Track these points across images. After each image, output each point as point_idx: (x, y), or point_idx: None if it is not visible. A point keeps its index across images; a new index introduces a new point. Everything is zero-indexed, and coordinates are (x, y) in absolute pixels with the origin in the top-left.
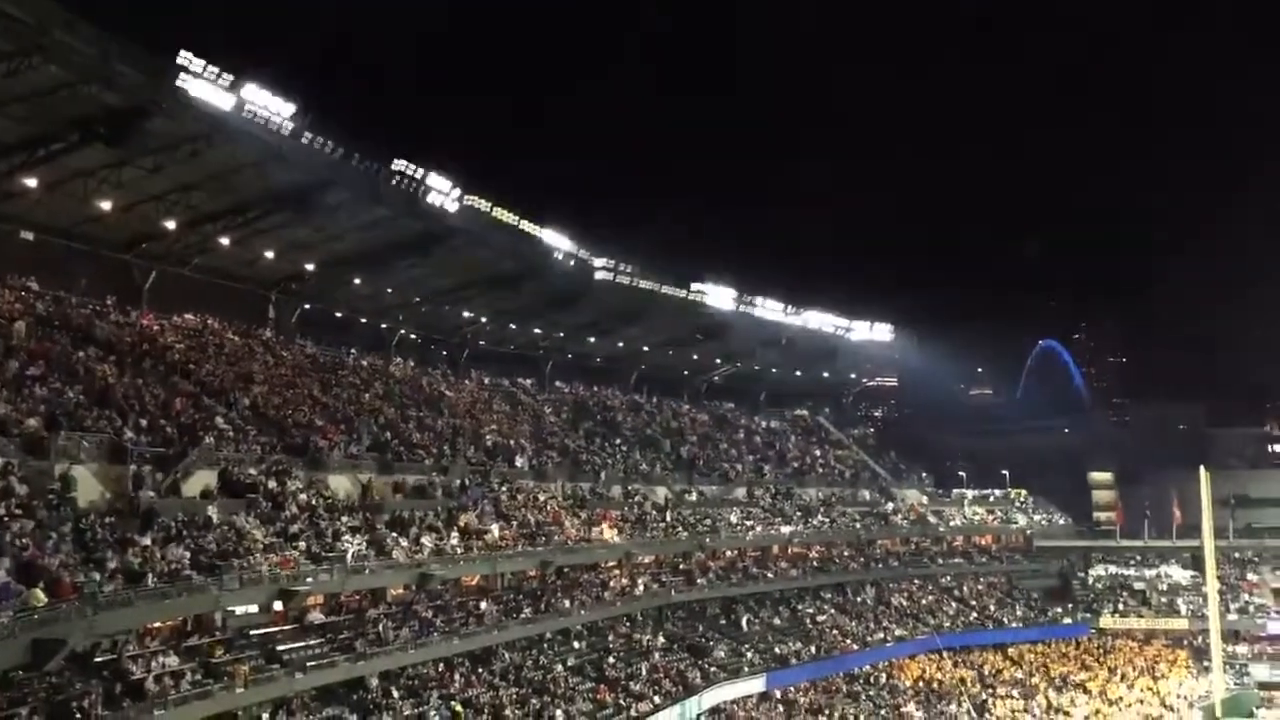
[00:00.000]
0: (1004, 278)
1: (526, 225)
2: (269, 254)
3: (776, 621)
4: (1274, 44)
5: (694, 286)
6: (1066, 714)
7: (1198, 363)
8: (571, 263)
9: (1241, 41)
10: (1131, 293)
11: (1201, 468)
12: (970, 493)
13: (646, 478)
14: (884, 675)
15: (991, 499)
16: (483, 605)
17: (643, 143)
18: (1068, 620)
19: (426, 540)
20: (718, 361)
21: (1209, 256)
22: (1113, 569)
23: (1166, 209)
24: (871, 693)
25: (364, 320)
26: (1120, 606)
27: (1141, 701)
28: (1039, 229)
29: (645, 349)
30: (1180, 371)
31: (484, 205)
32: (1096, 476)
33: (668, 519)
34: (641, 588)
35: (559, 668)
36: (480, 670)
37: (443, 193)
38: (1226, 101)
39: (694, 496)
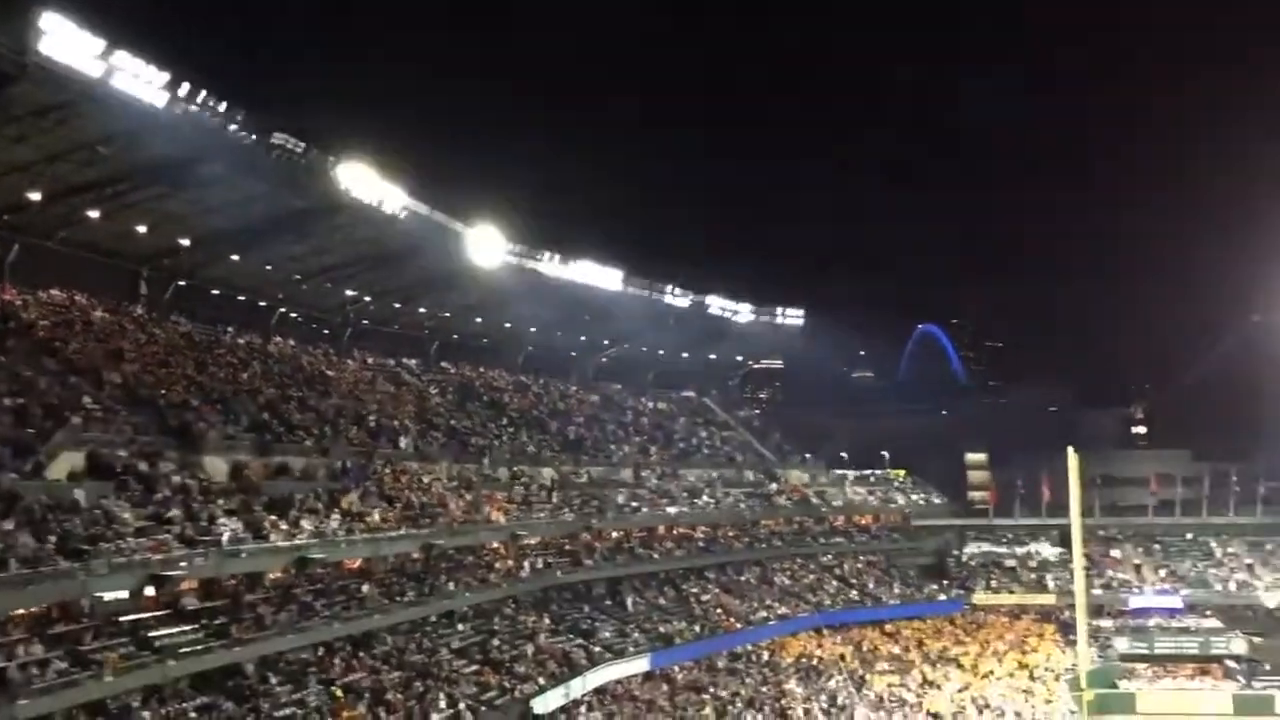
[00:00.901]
0: (887, 263)
1: (414, 203)
2: (141, 228)
3: (662, 601)
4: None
5: (583, 267)
6: (940, 688)
7: (1068, 348)
8: (457, 241)
9: (1088, 19)
10: (1007, 279)
11: (1070, 449)
12: (852, 473)
13: (533, 459)
14: (766, 653)
15: (872, 479)
16: (364, 588)
17: (532, 121)
18: (943, 597)
19: (306, 523)
20: (605, 343)
21: (1080, 245)
22: (986, 547)
23: (1041, 198)
24: (754, 670)
25: (242, 298)
26: (992, 583)
27: (1011, 675)
28: (921, 217)
29: (533, 330)
30: (1052, 356)
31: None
32: (972, 457)
33: (554, 500)
34: (528, 569)
35: (443, 651)
36: (362, 654)
37: (326, 168)
38: (1095, 89)
39: (581, 478)
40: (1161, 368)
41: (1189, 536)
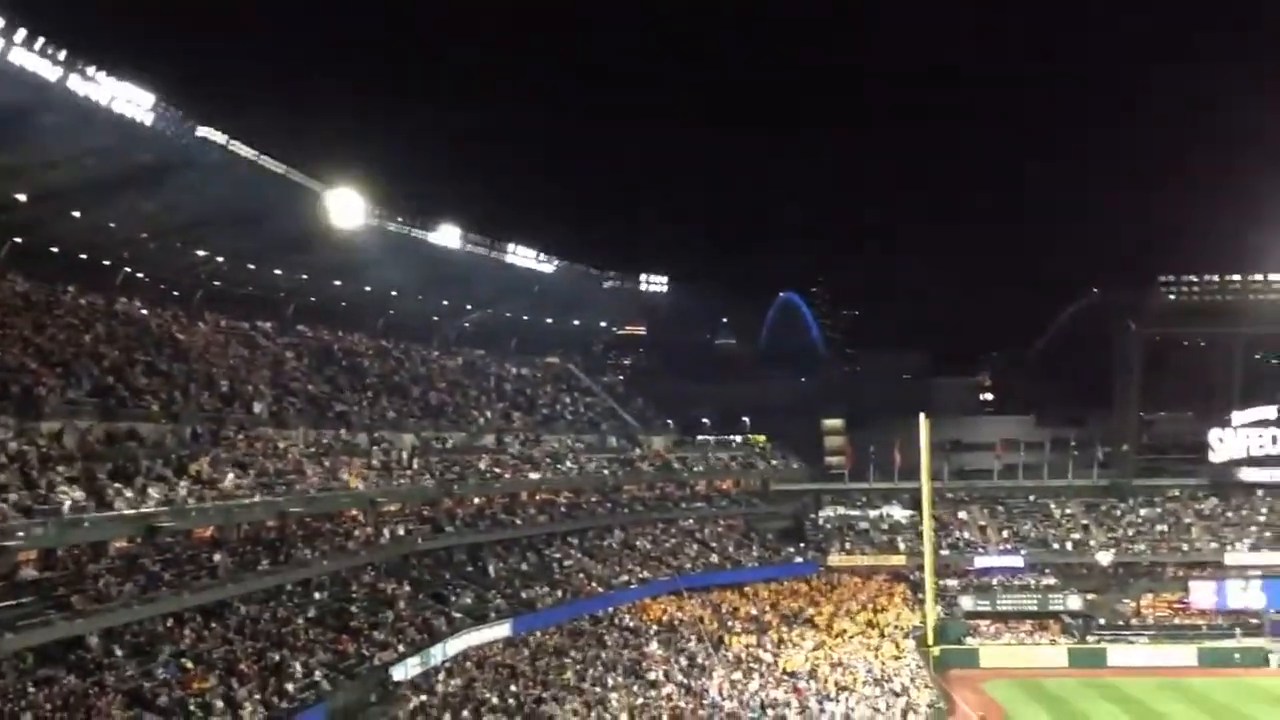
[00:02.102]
0: (748, 230)
1: (267, 162)
2: None
3: (524, 567)
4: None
5: (440, 229)
6: (796, 647)
7: (921, 318)
8: (315, 202)
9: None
10: (864, 248)
11: (922, 415)
12: (713, 439)
13: (393, 425)
14: (628, 616)
15: (733, 445)
16: (216, 557)
17: (401, 83)
18: (799, 559)
19: (154, 490)
20: (468, 308)
21: (934, 217)
22: (841, 510)
23: (898, 171)
24: (615, 634)
25: (84, 256)
26: (847, 545)
27: (862, 633)
28: (781, 183)
29: (394, 294)
30: (906, 325)
31: (221, 138)
32: (829, 423)
33: (415, 466)
34: (387, 536)
35: (299, 620)
36: (214, 625)
37: (174, 121)
38: (959, 67)
39: (443, 444)
40: (1008, 338)
41: (1031, 499)
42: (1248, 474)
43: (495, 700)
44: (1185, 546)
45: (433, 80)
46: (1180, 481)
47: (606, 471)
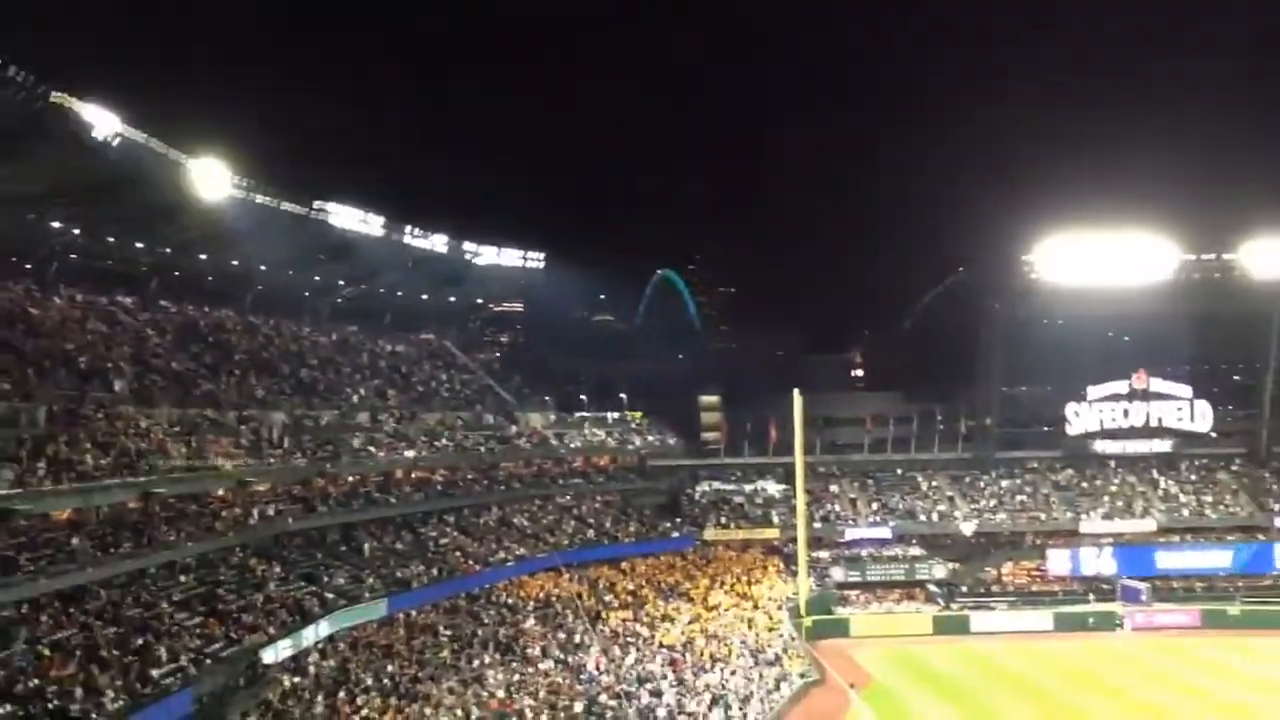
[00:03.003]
0: (626, 207)
1: (129, 130)
2: None
3: (399, 546)
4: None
5: (316, 204)
6: (672, 620)
7: (795, 296)
8: (178, 173)
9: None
10: (741, 227)
11: (795, 391)
12: (590, 416)
13: (263, 403)
14: (505, 594)
15: (610, 421)
16: (75, 541)
17: (273, 53)
18: (676, 534)
19: (7, 472)
20: (341, 283)
21: (808, 197)
22: (717, 485)
23: (773, 152)
24: (492, 611)
25: None
26: (722, 519)
27: (737, 606)
28: (658, 161)
29: (264, 268)
30: (780, 303)
31: (77, 105)
32: (705, 400)
33: (286, 445)
34: (256, 516)
35: (164, 604)
36: (72, 610)
37: (25, 86)
38: (850, 53)
39: (315, 422)
40: (879, 316)
41: (899, 472)
42: (1101, 446)
43: (370, 681)
44: (1043, 516)
45: (306, 52)
46: (1039, 454)
47: (483, 449)
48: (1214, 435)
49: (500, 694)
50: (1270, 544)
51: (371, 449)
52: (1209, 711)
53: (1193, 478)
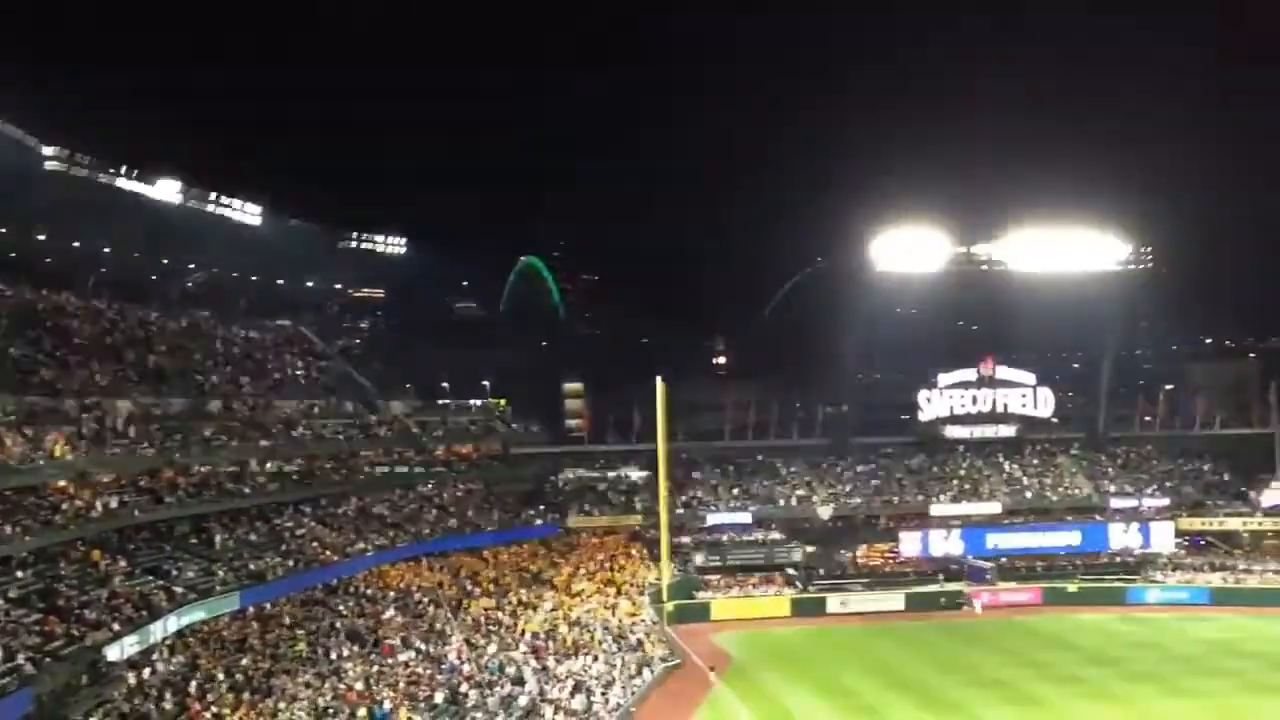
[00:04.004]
0: (489, 193)
1: None
2: None
3: (253, 537)
4: None
5: (163, 184)
6: (534, 609)
7: (659, 283)
8: (8, 149)
9: None
10: (605, 215)
11: (658, 378)
12: (453, 404)
13: (107, 391)
14: (364, 584)
15: (473, 409)
16: None
17: (113, 19)
18: (539, 521)
19: None
20: (192, 267)
21: (670, 186)
22: (580, 472)
23: (635, 138)
24: (351, 602)
25: None
26: (586, 507)
27: (600, 592)
28: (521, 147)
29: (107, 250)
30: (643, 291)
31: None
32: (569, 387)
33: (132, 435)
34: (100, 509)
35: None
36: None
37: None
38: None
39: (164, 410)
40: (740, 305)
41: (759, 458)
42: (951, 431)
43: (222, 676)
44: (896, 500)
45: (147, 23)
46: (892, 439)
47: (342, 437)
48: (1055, 420)
49: (359, 686)
50: (1105, 524)
51: (224, 438)
52: (1049, 683)
53: (1035, 461)
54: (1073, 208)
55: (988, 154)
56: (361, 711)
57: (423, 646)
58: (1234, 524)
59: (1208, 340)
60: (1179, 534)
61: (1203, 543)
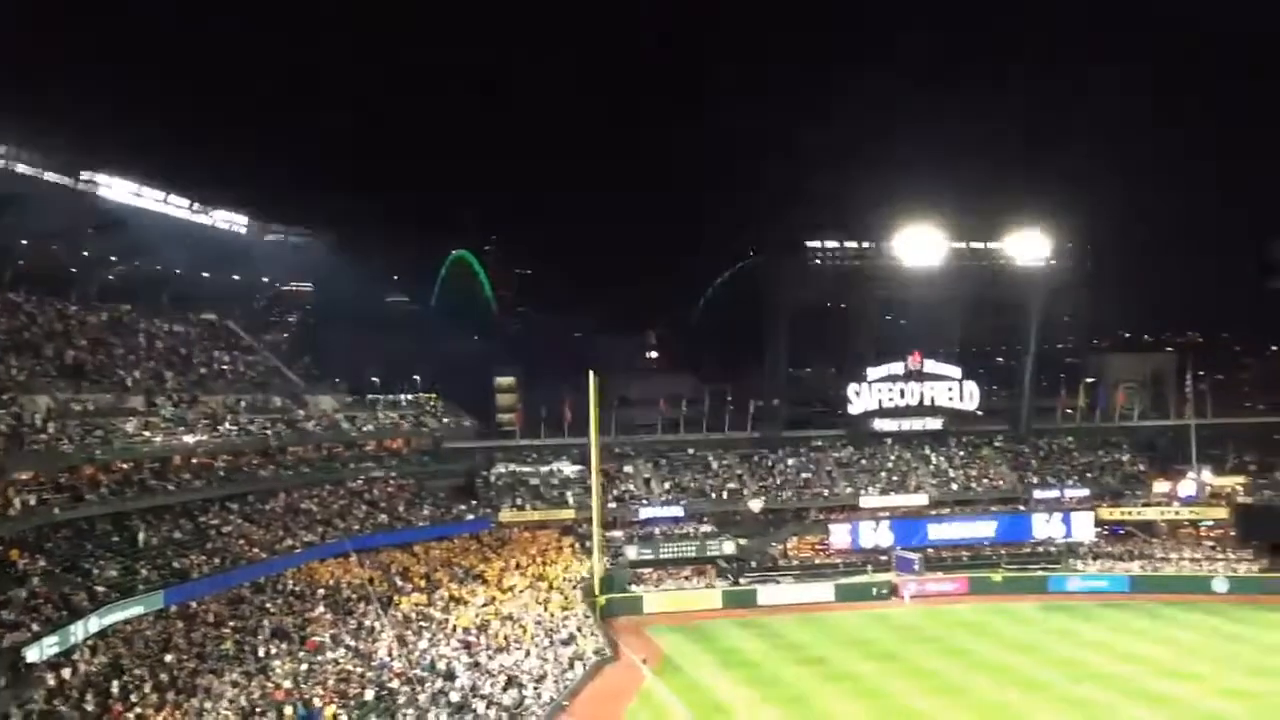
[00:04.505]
0: (419, 186)
1: None
2: None
3: (178, 535)
4: None
5: (85, 175)
6: (466, 603)
7: (592, 278)
8: None
9: None
10: (538, 210)
11: (590, 372)
12: (384, 398)
13: (23, 386)
14: (293, 582)
15: (404, 404)
16: None
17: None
18: (471, 516)
19: None
20: (114, 259)
21: (604, 181)
22: (512, 467)
23: (565, 138)
24: (279, 600)
25: None
26: (518, 501)
27: (532, 587)
28: (453, 142)
29: (24, 241)
30: (576, 285)
31: None
32: (501, 381)
33: (50, 430)
34: (18, 506)
35: None
36: None
37: None
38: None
39: (84, 406)
40: (673, 299)
41: (691, 451)
42: (879, 424)
43: (145, 676)
44: (826, 492)
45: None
46: (822, 432)
47: (270, 433)
48: (980, 413)
49: (287, 684)
50: (1029, 514)
51: (147, 434)
52: (973, 671)
53: (961, 454)
54: (997, 206)
55: (919, 152)
56: (289, 710)
57: (352, 643)
58: (1152, 514)
59: (1127, 334)
60: (1099, 523)
61: (1122, 532)
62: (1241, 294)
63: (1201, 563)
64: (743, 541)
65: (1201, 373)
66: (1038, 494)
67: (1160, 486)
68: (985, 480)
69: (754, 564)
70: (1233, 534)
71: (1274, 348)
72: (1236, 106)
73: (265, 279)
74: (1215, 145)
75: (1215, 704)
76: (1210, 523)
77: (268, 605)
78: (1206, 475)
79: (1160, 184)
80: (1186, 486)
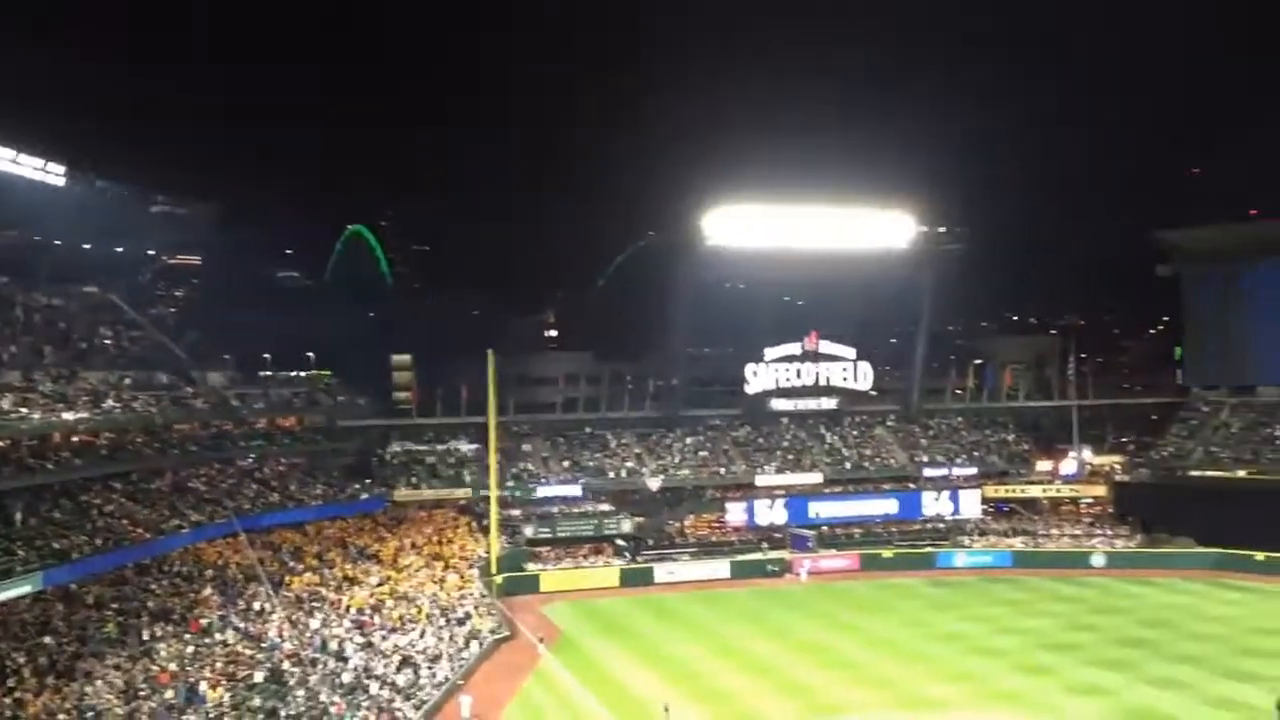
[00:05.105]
0: (314, 159)
1: None
2: None
3: (57, 515)
4: None
5: None
6: (360, 583)
7: (490, 256)
8: None
9: None
10: (436, 184)
11: (489, 351)
12: (276, 375)
13: None
14: (179, 562)
15: (297, 381)
16: None
17: None
18: (365, 495)
19: None
20: None
21: (503, 160)
22: (408, 445)
23: (464, 115)
24: (165, 581)
25: None
26: (413, 480)
27: (428, 566)
28: (349, 115)
29: None
30: (475, 263)
31: None
32: (397, 359)
33: None
34: None
35: None
36: None
37: None
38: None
39: None
40: (573, 278)
41: (589, 430)
42: (776, 404)
43: (23, 660)
44: (723, 471)
45: None
46: (720, 412)
47: (155, 410)
48: (873, 394)
49: (173, 667)
50: (919, 492)
51: (24, 410)
52: (864, 645)
53: (854, 433)
54: (891, 190)
55: (810, 136)
56: (169, 693)
57: (241, 625)
58: (1035, 491)
59: (1014, 318)
60: (985, 501)
61: (1007, 509)
62: (1121, 279)
63: (1081, 539)
64: (640, 520)
65: (1083, 355)
66: (927, 472)
67: (1043, 465)
68: (878, 459)
69: (651, 542)
70: (1110, 511)
71: (1151, 331)
72: (1118, 92)
73: (151, 251)
74: (1096, 134)
75: (1092, 674)
76: (1090, 500)
77: (153, 587)
78: (1087, 454)
79: (1051, 176)
80: (1068, 465)
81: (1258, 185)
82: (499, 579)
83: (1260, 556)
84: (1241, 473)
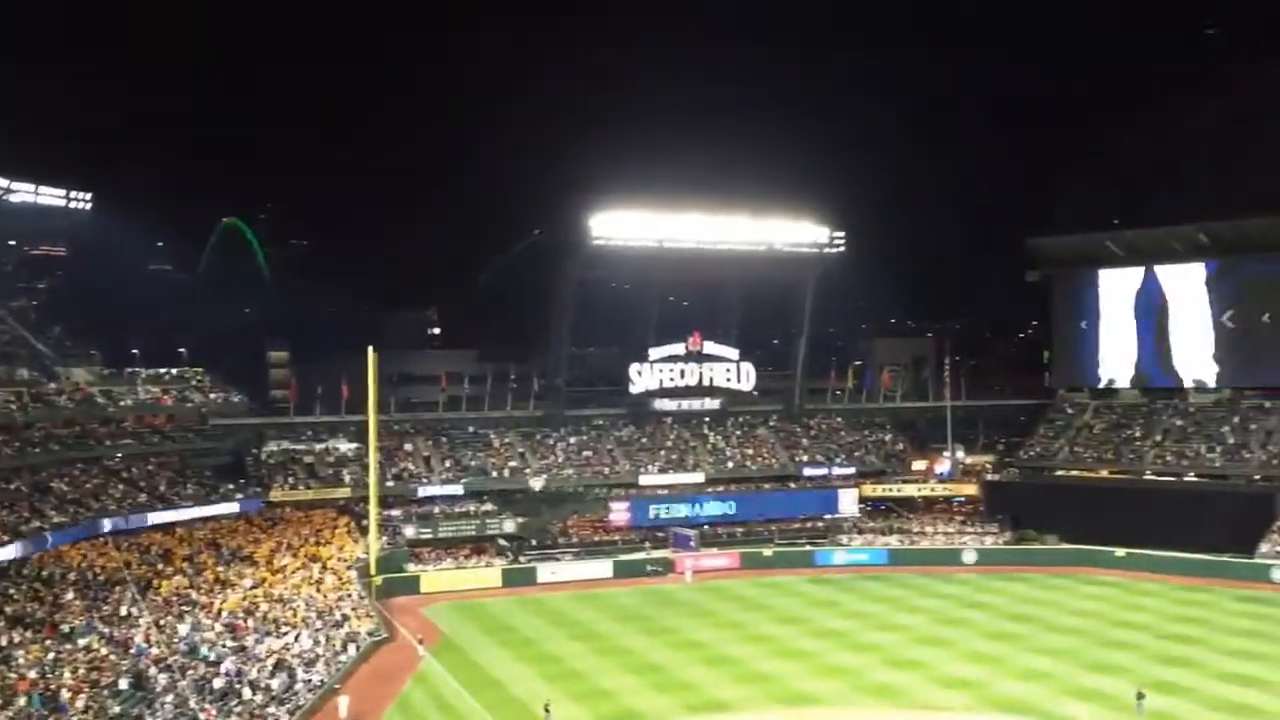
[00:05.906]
0: (187, 148)
1: None
2: None
3: None
4: None
5: None
6: (233, 586)
7: (372, 251)
8: None
9: None
10: (316, 178)
11: (370, 348)
12: (145, 371)
13: None
14: (39, 566)
15: (167, 377)
16: None
17: None
18: (240, 496)
19: None
20: None
21: (386, 152)
22: (286, 444)
23: (347, 107)
24: (24, 586)
25: None
26: (290, 480)
27: (304, 567)
28: (230, 106)
29: None
30: (356, 258)
31: None
32: (274, 355)
33: None
34: None
35: None
36: None
37: None
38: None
39: None
40: (457, 275)
41: (472, 429)
42: (660, 404)
43: None
44: (607, 470)
45: None
46: (604, 411)
47: (15, 407)
48: (756, 394)
49: (32, 675)
50: (799, 492)
51: None
52: (743, 642)
53: (737, 433)
54: (774, 195)
55: (701, 139)
56: (21, 700)
57: (106, 630)
58: (910, 490)
59: (893, 320)
60: (862, 500)
61: (883, 508)
62: (995, 285)
63: (954, 536)
64: (523, 520)
65: (958, 358)
66: (807, 471)
67: (919, 465)
68: (760, 459)
69: (534, 542)
70: (981, 509)
71: (1021, 335)
72: (991, 104)
73: (11, 242)
74: (972, 143)
75: (961, 668)
76: (962, 499)
77: (11, 591)
78: (960, 454)
79: (927, 178)
80: (942, 465)
81: (1122, 195)
82: (378, 580)
83: (1121, 553)
84: (1104, 472)
